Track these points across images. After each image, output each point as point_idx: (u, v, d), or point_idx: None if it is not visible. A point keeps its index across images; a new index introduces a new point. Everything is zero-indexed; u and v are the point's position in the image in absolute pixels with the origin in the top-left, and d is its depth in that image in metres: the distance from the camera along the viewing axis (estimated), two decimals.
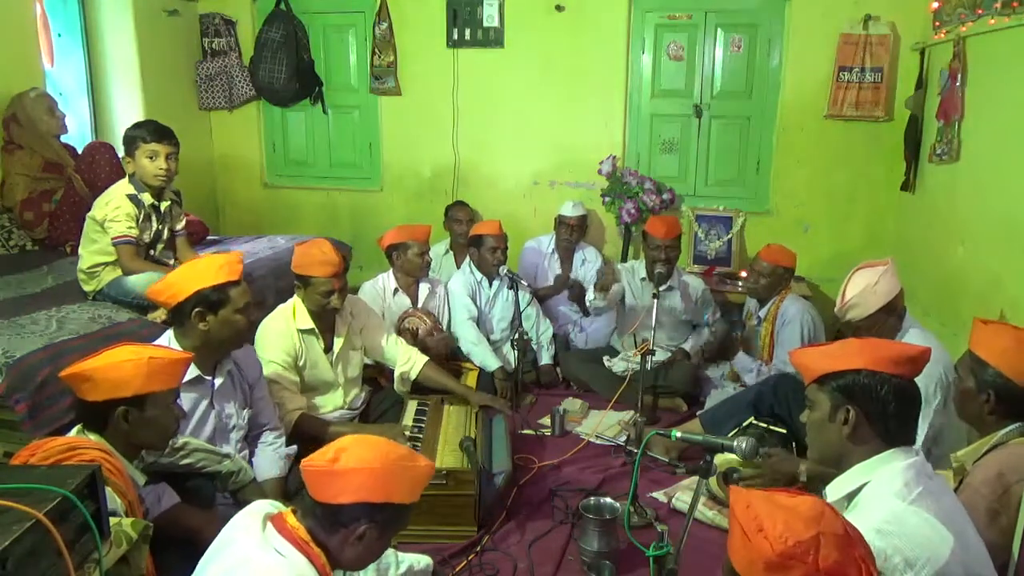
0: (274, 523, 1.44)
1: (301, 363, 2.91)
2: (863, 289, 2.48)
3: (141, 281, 2.97)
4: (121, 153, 3.20)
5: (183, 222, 3.33)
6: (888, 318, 2.49)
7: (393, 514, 1.45)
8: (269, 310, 2.98)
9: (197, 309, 2.21)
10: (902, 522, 1.35)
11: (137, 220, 3.00)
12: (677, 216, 4.71)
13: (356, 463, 1.39)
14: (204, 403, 2.32)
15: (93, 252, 3.02)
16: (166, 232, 3.21)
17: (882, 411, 1.49)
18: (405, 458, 1.45)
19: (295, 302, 2.94)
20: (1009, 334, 1.85)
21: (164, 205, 3.16)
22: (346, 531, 1.41)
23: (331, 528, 1.42)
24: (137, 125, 3.11)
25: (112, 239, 2.95)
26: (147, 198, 3.04)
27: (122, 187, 3.02)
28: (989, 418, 1.85)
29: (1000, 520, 1.67)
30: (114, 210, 2.95)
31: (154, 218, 3.12)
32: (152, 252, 3.17)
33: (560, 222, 4.30)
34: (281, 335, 2.87)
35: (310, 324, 2.93)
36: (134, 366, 1.76)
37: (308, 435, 2.72)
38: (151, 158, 2.98)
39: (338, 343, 3.02)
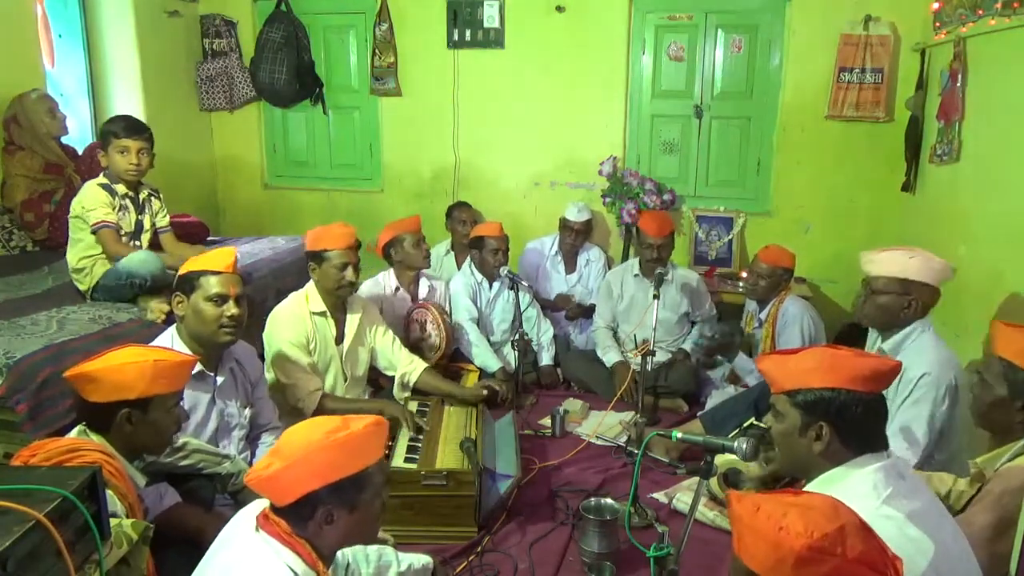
0: (261, 520, 1.45)
1: (312, 346, 2.92)
2: (895, 253, 2.44)
3: (134, 260, 2.95)
4: None
5: (167, 219, 3.33)
6: (903, 298, 2.39)
7: (350, 487, 1.43)
8: (269, 312, 2.98)
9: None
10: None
11: (113, 208, 3.02)
12: (677, 216, 4.72)
13: (285, 461, 1.38)
14: (206, 399, 2.32)
15: (79, 250, 3.03)
16: (147, 223, 3.22)
17: (856, 430, 1.49)
18: (333, 432, 1.41)
19: (308, 288, 2.98)
20: None
21: (142, 195, 3.19)
22: (312, 521, 1.43)
23: (300, 523, 1.43)
24: (111, 120, 3.13)
25: (92, 226, 2.96)
26: (121, 188, 3.08)
27: (94, 180, 3.06)
28: (1019, 425, 1.81)
29: (1014, 530, 1.65)
30: (89, 199, 2.98)
31: (131, 207, 3.14)
32: (137, 244, 3.17)
33: (564, 225, 4.29)
34: (294, 317, 2.90)
35: (323, 307, 2.95)
36: (138, 368, 1.75)
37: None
38: (122, 153, 3.02)
39: (350, 330, 3.03)
